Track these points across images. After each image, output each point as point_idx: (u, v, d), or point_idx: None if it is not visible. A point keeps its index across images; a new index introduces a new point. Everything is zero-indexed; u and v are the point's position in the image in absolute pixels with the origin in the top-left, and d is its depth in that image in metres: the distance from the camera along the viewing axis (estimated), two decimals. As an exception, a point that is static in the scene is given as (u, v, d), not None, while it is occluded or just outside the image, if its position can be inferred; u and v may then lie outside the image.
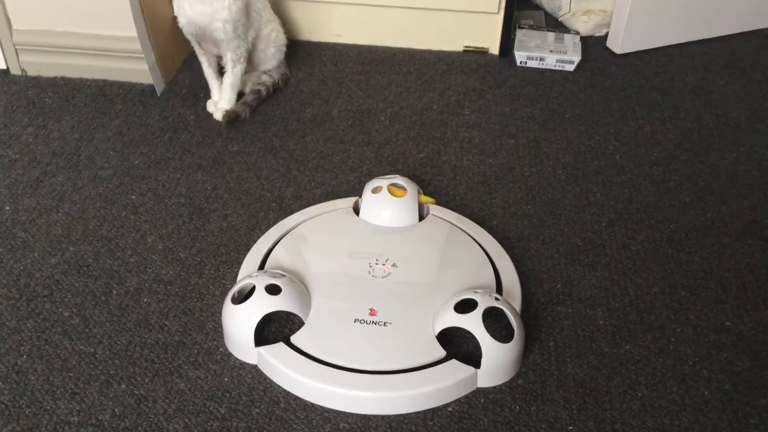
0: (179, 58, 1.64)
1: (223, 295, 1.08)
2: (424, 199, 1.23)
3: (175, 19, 1.48)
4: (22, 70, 1.60)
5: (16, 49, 1.58)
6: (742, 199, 1.31)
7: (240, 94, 1.53)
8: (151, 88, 1.56)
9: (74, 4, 1.52)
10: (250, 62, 1.55)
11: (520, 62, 1.69)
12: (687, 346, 1.05)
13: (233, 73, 1.49)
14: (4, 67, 1.60)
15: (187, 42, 1.51)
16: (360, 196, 1.24)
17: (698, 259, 1.19)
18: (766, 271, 1.17)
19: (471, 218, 1.24)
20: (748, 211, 1.29)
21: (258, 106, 1.53)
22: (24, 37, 1.56)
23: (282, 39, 1.60)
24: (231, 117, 1.47)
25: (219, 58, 1.51)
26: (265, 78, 1.56)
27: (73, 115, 1.49)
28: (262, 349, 1.00)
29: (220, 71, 1.53)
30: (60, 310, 1.08)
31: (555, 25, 1.84)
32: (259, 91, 1.54)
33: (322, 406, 0.96)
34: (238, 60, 1.48)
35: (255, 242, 1.18)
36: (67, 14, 1.54)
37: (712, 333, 1.07)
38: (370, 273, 1.10)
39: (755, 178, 1.36)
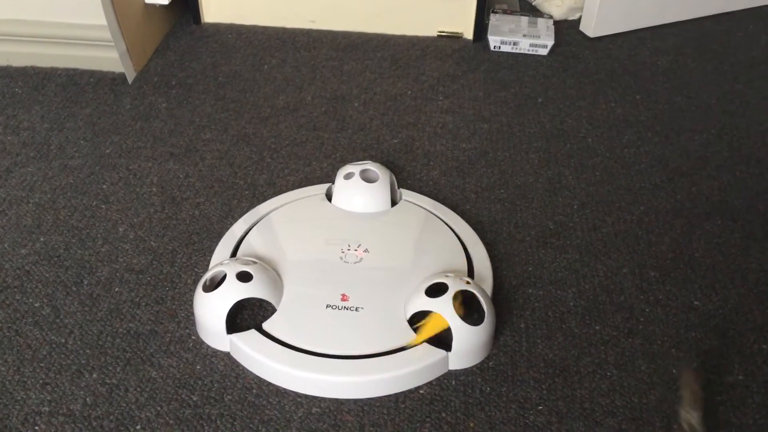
0: (150, 46, 1.63)
1: (196, 283, 1.08)
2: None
3: (145, 6, 1.46)
4: (-9, 59, 1.58)
5: (-16, 39, 1.56)
6: (712, 180, 1.33)
7: None
8: (122, 77, 1.55)
9: (42, -8, 1.50)
10: None
11: (494, 47, 1.69)
12: (656, 325, 1.06)
13: None
14: (-28, 57, 1.58)
15: (157, 30, 1.50)
16: (332, 183, 1.24)
17: (668, 240, 1.20)
18: (735, 251, 1.18)
19: (444, 203, 1.24)
20: (718, 192, 1.30)
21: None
22: (-8, 27, 1.54)
23: None
24: None
25: None
26: None
27: (43, 105, 1.47)
28: (234, 336, 1.00)
29: None
30: (30, 300, 1.07)
31: (529, 9, 1.84)
32: None
33: (294, 392, 0.96)
34: None
35: (228, 230, 1.17)
36: (37, 3, 1.51)
37: (681, 312, 1.08)
38: (342, 259, 1.10)
39: (725, 159, 1.38)
